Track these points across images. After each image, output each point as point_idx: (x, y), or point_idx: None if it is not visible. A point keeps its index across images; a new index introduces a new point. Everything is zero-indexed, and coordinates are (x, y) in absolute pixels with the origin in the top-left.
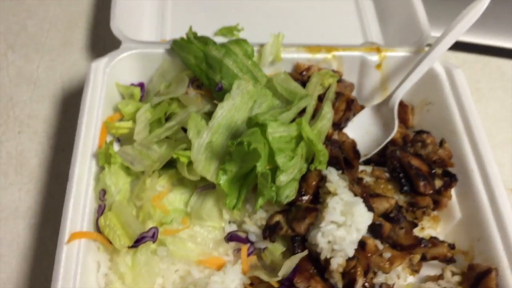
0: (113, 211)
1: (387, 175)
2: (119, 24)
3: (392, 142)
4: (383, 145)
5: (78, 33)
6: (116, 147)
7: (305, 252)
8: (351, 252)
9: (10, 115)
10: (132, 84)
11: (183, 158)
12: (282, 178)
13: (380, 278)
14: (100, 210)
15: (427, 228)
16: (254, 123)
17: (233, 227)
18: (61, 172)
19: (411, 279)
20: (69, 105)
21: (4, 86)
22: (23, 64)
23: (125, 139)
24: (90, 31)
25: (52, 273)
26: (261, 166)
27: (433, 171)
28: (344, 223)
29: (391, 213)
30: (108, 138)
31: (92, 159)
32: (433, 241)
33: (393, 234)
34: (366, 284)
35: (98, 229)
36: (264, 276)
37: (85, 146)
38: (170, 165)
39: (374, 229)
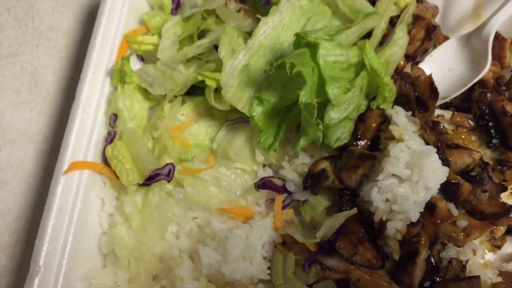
0: (123, 140)
1: (471, 123)
2: None
3: (482, 83)
4: (469, 85)
5: None
6: (138, 66)
7: (354, 210)
8: (414, 216)
9: (29, 25)
10: None
11: (210, 81)
12: (333, 115)
13: (450, 252)
14: (109, 138)
15: None
16: (304, 43)
17: (268, 172)
18: None
19: (490, 256)
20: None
21: None
22: None
23: (149, 58)
24: None
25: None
26: (305, 96)
27: None
28: (409, 178)
29: (473, 171)
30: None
31: (107, 78)
32: None
33: (472, 198)
34: (431, 258)
35: (105, 160)
36: (298, 236)
37: (98, 61)
38: (198, 91)
39: (448, 189)
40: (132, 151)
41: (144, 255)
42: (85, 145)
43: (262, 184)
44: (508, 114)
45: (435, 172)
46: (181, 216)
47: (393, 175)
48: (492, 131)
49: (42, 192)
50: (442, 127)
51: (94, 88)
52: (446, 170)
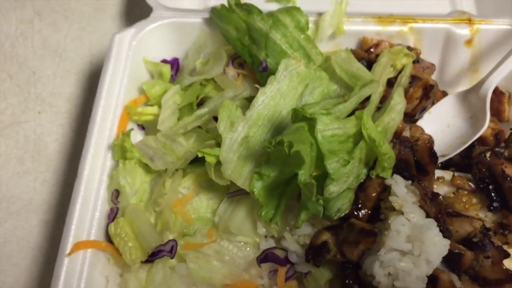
0: (126, 217)
1: (471, 185)
2: None
3: (481, 140)
4: (468, 143)
5: None
6: (140, 137)
7: None
8: None
9: (31, 92)
10: (164, 61)
11: (210, 157)
12: (332, 189)
13: None
14: (112, 215)
15: None
16: (301, 117)
17: (270, 243)
18: None
19: None
20: (98, 83)
21: (27, 59)
22: (49, 34)
23: (150, 127)
24: None
25: None
26: (304, 175)
27: None
28: (411, 252)
29: (475, 237)
30: (130, 126)
31: (108, 152)
32: None
33: (476, 265)
34: None
35: (108, 237)
36: None
37: (100, 136)
38: (198, 162)
39: (451, 259)
40: (135, 228)
41: None
42: (88, 223)
43: (265, 258)
44: (508, 178)
45: (436, 246)
46: None
47: (394, 249)
48: (492, 194)
49: (48, 263)
50: (442, 196)
51: (96, 164)
52: (447, 242)
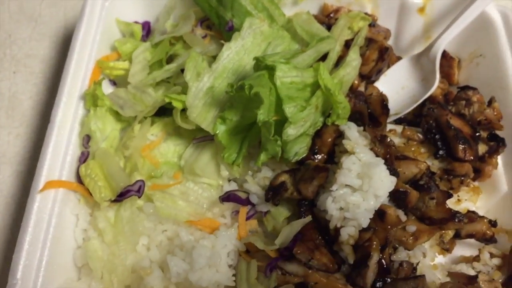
0: (96, 160)
1: (420, 136)
2: None
3: (431, 99)
4: (419, 102)
5: None
6: (110, 90)
7: (309, 218)
8: (365, 222)
9: (7, 53)
10: (136, 23)
11: (176, 102)
12: (290, 131)
13: (401, 255)
14: (83, 158)
15: (465, 201)
16: (262, 66)
17: (233, 186)
18: None
19: (440, 259)
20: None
21: (3, 22)
22: (25, 0)
23: (121, 82)
24: None
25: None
26: (263, 114)
27: (477, 133)
28: (360, 188)
29: (421, 180)
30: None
31: (80, 102)
32: (471, 216)
33: (421, 205)
34: (383, 261)
35: (79, 179)
36: (260, 244)
37: (72, 86)
38: (166, 112)
39: (397, 197)
40: (105, 170)
41: (116, 267)
42: (59, 165)
43: (227, 197)
44: (452, 127)
45: (383, 181)
46: (152, 229)
47: (346, 185)
48: (438, 143)
49: (19, 211)
50: (389, 140)
51: (68, 111)
52: (394, 179)
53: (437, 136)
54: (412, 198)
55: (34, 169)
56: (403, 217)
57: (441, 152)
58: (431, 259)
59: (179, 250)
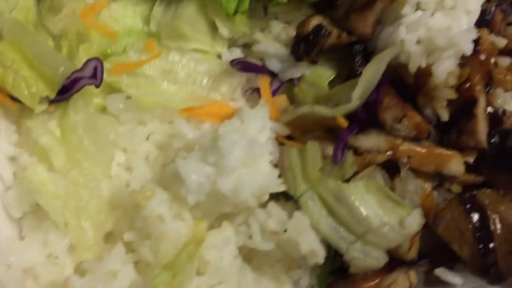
0: (7, 39)
1: None
2: None
3: None
4: None
5: None
6: None
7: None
8: (469, 47)
9: None
10: None
11: None
12: None
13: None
14: None
15: None
16: None
17: (237, 54)
18: None
19: None
20: None
21: None
22: None
23: None
24: None
25: None
26: None
27: None
28: (441, 5)
29: None
30: None
31: None
32: None
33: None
34: (489, 108)
35: None
36: (325, 110)
37: None
38: None
39: (482, 20)
40: (27, 52)
41: (85, 204)
42: None
43: (239, 65)
44: None
45: None
46: (129, 136)
47: (419, 2)
48: None
49: None
50: None
51: None
52: None
53: None
54: (497, 19)
55: None
56: (500, 41)
57: None
58: None
59: (186, 153)
